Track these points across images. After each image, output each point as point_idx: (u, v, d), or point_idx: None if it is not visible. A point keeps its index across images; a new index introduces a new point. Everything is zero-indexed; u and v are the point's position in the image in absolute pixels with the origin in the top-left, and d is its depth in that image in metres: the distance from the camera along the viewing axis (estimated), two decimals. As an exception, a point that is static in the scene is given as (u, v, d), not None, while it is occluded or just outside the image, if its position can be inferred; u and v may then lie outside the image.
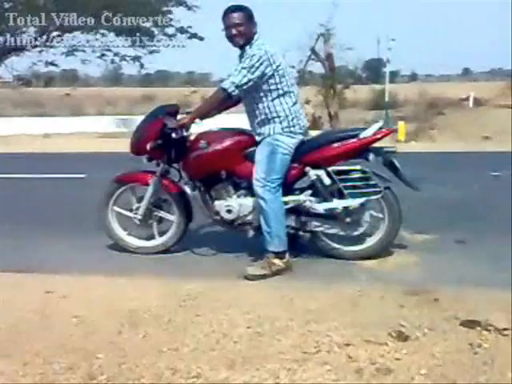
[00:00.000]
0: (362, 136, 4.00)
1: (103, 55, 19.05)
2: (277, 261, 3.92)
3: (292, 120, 3.97)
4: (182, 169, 4.30)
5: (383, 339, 2.83)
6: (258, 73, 3.81)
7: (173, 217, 4.41)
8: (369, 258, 4.16)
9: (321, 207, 4.05)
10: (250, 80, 3.82)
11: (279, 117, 3.95)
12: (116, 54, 19.05)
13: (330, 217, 4.08)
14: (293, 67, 18.11)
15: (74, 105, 24.09)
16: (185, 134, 4.12)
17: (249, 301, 3.41)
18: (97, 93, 29.80)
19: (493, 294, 3.41)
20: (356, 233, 4.14)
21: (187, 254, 4.50)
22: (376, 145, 4.07)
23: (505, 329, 2.89)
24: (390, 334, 2.87)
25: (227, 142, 4.12)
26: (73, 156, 12.12)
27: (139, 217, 4.37)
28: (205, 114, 4.06)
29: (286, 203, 4.03)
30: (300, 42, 18.86)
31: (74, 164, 10.32)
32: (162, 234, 4.47)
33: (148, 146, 4.08)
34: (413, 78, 59.75)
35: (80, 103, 24.56)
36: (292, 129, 3.97)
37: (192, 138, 4.21)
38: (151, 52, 18.76)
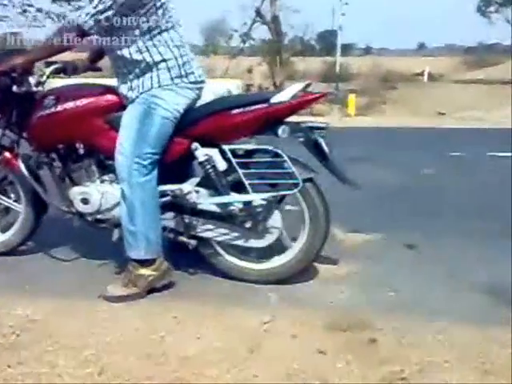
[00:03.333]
0: (273, 101, 2.68)
1: (25, 11, 17.02)
2: (144, 270, 2.68)
3: (183, 65, 2.68)
4: (27, 137, 3.02)
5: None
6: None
7: (20, 206, 3.17)
8: (280, 281, 2.83)
9: (210, 202, 2.77)
10: (113, 9, 2.50)
11: (165, 60, 2.64)
12: (39, 10, 17.01)
13: (224, 218, 2.78)
14: (235, 31, 17.22)
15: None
16: (33, 89, 2.84)
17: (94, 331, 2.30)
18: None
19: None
20: (261, 243, 2.81)
21: (37, 258, 3.22)
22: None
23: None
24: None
25: (83, 100, 2.81)
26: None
27: None
28: (47, 55, 2.76)
29: (162, 194, 2.75)
30: (244, 1, 17.98)
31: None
32: (5, 229, 3.24)
33: None
34: (367, 51, 58.80)
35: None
36: (182, 80, 2.67)
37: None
38: (77, 8, 16.90)
